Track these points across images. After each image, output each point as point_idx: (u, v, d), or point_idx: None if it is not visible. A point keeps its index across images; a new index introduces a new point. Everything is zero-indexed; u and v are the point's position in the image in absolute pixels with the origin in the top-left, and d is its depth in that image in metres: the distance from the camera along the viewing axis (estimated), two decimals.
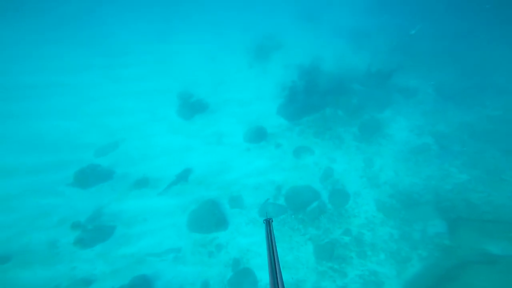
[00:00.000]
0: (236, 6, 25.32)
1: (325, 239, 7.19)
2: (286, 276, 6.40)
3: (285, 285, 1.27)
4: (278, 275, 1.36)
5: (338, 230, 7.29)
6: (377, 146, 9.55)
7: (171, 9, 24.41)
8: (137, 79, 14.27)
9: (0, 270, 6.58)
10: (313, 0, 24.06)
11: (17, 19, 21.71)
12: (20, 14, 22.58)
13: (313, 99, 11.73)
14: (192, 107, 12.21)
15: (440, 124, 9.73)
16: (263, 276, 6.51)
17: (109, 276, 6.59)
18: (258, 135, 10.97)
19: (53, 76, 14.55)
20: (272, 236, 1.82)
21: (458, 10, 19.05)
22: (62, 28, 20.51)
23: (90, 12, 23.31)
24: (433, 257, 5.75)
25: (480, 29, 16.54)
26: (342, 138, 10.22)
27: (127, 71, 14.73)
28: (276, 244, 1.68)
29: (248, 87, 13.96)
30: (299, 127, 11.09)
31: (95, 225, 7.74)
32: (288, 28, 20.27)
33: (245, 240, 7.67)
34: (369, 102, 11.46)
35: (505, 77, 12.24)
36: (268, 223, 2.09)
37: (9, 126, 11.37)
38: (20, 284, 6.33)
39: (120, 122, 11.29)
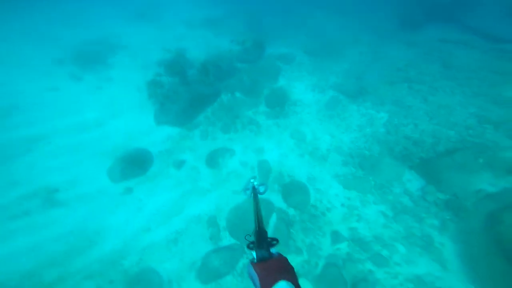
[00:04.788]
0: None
1: (318, 262, 4.69)
2: None
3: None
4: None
5: (324, 239, 4.99)
6: (295, 115, 8.10)
7: None
8: None
9: None
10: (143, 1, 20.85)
11: None
12: None
13: (200, 90, 8.68)
14: None
15: (330, 77, 9.70)
16: None
17: None
18: (138, 163, 6.65)
19: None
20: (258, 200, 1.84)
21: None
22: None
23: None
24: (448, 222, 4.69)
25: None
26: (255, 121, 8.00)
27: None
28: None
29: (89, 105, 8.78)
30: (199, 129, 7.80)
31: None
32: (123, 29, 15.94)
33: None
34: (259, 76, 9.94)
35: (339, 35, 14.42)
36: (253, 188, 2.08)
37: None
38: None
39: None
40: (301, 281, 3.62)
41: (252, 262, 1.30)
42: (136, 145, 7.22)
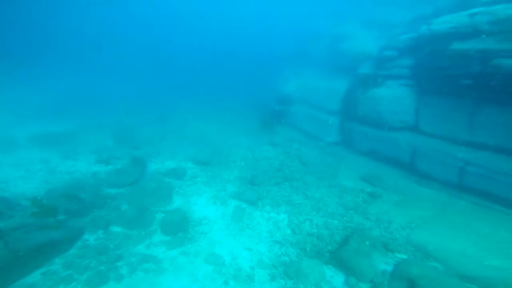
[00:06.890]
0: None
1: None
2: None
3: None
4: None
5: None
6: (204, 236, 7.09)
7: None
8: None
9: None
10: None
11: None
12: None
13: (31, 238, 5.88)
14: None
15: (227, 186, 9.81)
16: None
17: None
18: None
19: None
20: None
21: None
22: None
23: None
24: None
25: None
26: (152, 257, 6.17)
27: None
28: None
29: None
30: None
31: None
32: None
33: None
34: (145, 199, 8.42)
35: (221, 141, 15.22)
36: None
37: None
38: None
39: None
40: None
41: None
42: None
